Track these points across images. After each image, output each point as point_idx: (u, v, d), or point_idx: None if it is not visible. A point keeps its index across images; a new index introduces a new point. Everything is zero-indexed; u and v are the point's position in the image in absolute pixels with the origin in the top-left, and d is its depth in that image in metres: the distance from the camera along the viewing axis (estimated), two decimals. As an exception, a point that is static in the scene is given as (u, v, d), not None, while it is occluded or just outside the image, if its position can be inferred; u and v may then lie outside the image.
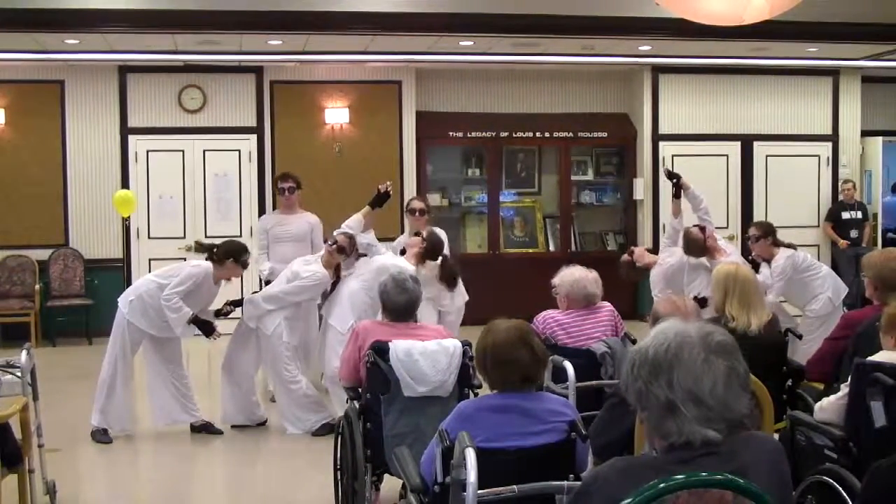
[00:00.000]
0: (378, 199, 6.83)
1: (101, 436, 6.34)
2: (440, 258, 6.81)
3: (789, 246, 7.18)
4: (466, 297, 7.40)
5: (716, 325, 2.20)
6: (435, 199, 10.82)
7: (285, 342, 6.48)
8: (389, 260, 6.50)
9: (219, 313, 6.63)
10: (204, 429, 6.56)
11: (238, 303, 6.64)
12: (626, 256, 7.51)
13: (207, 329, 6.40)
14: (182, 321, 6.23)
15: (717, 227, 7.77)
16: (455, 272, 6.97)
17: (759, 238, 7.14)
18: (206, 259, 6.43)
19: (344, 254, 6.58)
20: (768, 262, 7.09)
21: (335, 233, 6.69)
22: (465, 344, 4.31)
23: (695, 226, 7.17)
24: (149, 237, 10.62)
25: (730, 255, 6.89)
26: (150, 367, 6.57)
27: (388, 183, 6.90)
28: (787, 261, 7.01)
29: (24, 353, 4.79)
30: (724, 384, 1.96)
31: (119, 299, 6.50)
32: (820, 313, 7.02)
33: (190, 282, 6.26)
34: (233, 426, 6.68)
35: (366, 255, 6.84)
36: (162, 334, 6.44)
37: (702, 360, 1.96)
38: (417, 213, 7.44)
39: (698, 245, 7.00)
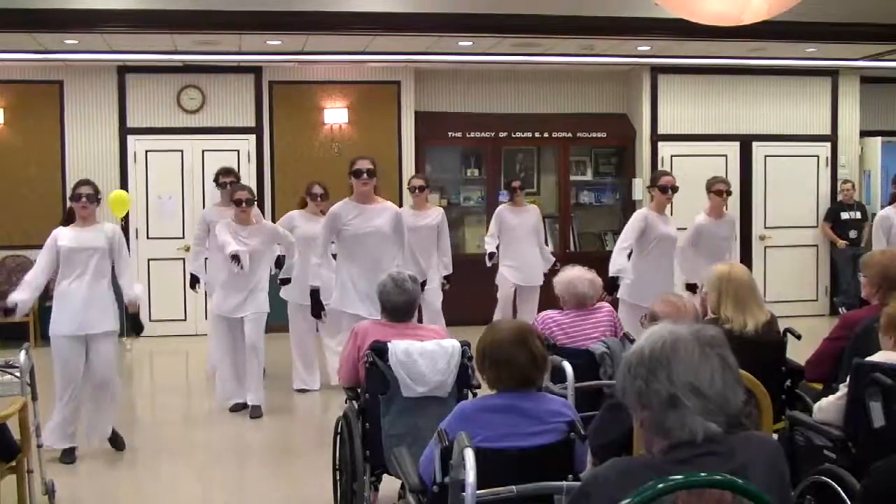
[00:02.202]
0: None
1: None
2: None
3: None
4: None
5: (712, 325, 2.22)
6: (434, 199, 10.81)
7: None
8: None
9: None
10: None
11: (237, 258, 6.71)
12: None
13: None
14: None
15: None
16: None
17: None
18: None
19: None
20: None
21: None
22: (465, 344, 4.31)
23: None
24: (147, 237, 10.62)
25: None
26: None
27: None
28: None
29: (22, 353, 4.79)
30: (720, 376, 1.98)
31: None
32: None
33: (44, 252, 5.94)
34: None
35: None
36: (82, 330, 5.93)
37: (698, 352, 1.99)
38: (417, 190, 8.29)
39: None
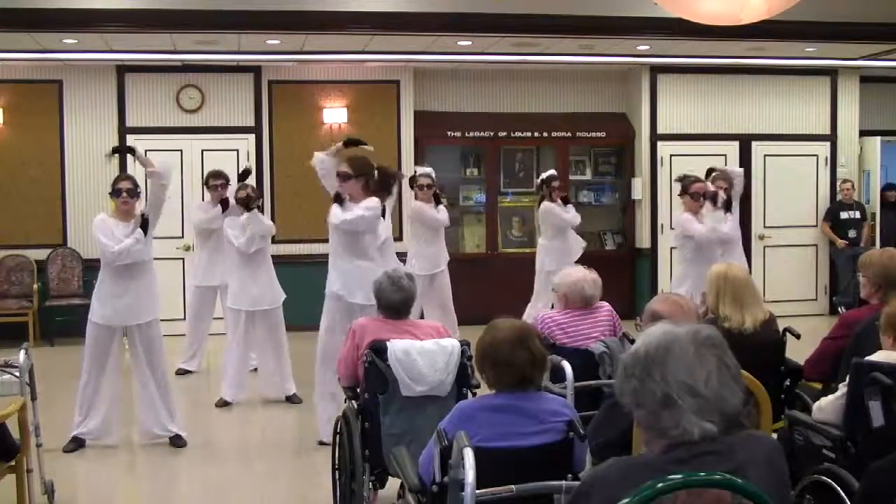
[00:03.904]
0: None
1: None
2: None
3: None
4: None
5: (711, 325, 2.22)
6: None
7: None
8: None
9: None
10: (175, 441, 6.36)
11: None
12: None
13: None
14: (132, 244, 6.41)
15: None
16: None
17: None
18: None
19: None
20: None
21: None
22: (464, 344, 4.31)
23: None
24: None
25: None
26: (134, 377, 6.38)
27: None
28: None
29: (21, 352, 4.79)
30: (717, 376, 1.98)
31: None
32: None
33: (98, 233, 6.32)
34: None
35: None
36: (120, 322, 6.21)
37: (692, 352, 1.98)
38: (426, 188, 8.62)
39: None
